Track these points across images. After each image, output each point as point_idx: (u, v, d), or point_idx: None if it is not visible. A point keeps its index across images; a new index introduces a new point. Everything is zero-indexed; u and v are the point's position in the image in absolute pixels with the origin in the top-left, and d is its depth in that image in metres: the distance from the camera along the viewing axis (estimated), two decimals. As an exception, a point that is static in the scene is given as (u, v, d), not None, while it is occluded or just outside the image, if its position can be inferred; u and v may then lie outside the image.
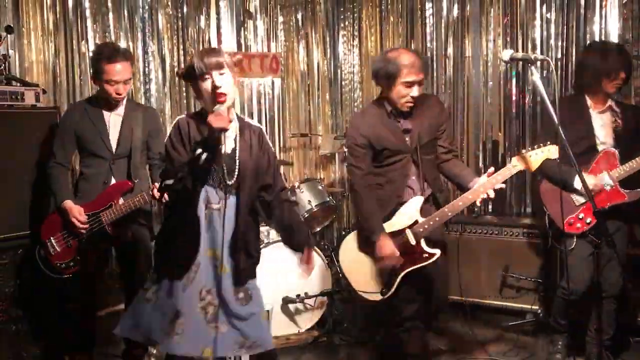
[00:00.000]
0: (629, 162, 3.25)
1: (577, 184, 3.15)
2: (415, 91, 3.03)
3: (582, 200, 3.29)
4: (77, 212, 3.34)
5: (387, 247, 3.04)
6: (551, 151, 2.92)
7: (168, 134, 2.54)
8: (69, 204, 3.36)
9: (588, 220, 3.27)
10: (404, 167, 3.12)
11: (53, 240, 3.41)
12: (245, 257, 2.57)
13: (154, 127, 3.58)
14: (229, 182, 2.51)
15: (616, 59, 3.25)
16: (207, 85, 2.48)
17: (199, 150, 2.29)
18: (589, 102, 3.33)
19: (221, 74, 2.48)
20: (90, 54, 3.56)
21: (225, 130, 2.41)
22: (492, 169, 3.01)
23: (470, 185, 3.02)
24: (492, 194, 2.95)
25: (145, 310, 2.52)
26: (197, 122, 2.52)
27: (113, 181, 3.42)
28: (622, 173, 3.26)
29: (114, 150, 3.41)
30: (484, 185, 2.94)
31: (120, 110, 3.46)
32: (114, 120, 3.44)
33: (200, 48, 5.38)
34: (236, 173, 2.53)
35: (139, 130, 3.45)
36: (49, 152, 3.48)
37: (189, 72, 2.52)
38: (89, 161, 3.44)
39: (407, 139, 3.12)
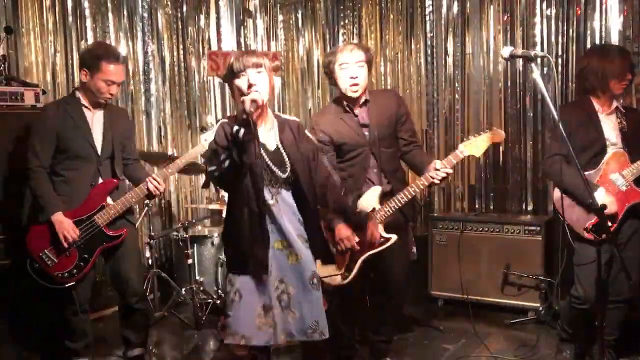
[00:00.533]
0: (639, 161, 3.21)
1: (598, 199, 2.91)
2: (353, 71, 3.13)
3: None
4: (68, 227, 3.16)
5: (343, 231, 3.13)
6: (497, 135, 3.11)
7: (213, 137, 2.60)
8: (59, 216, 3.17)
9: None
10: (363, 160, 3.23)
11: (48, 253, 3.21)
12: (311, 243, 2.69)
13: (129, 127, 3.60)
14: (284, 176, 2.61)
15: (622, 60, 3.24)
16: (242, 82, 2.53)
17: (236, 127, 2.36)
18: (596, 105, 3.30)
19: (258, 72, 2.54)
20: (89, 49, 3.45)
21: (257, 103, 2.48)
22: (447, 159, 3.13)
23: (425, 172, 3.14)
24: (437, 179, 3.06)
25: (234, 312, 2.58)
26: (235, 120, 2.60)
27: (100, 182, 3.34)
28: (634, 172, 3.21)
29: (99, 151, 3.30)
30: (433, 169, 3.07)
31: (100, 110, 3.37)
32: (96, 120, 3.34)
33: (208, 49, 5.39)
34: (288, 167, 2.61)
35: (118, 130, 3.40)
36: (32, 155, 3.22)
37: (229, 72, 2.58)
38: (70, 163, 3.27)
39: (365, 132, 3.24)
